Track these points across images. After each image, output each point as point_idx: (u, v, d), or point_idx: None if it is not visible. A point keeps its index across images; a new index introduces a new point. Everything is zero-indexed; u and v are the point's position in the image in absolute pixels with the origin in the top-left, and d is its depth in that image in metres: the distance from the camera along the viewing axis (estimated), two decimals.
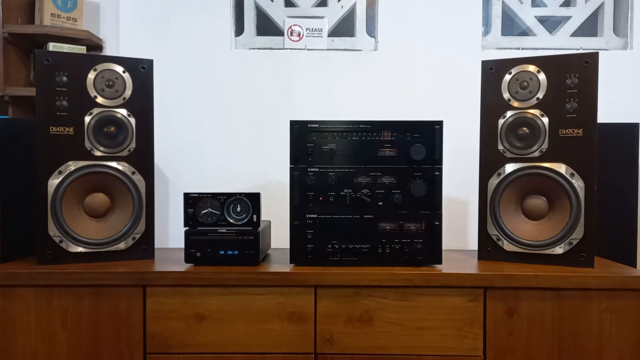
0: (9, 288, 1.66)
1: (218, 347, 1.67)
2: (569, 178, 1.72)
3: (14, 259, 1.83)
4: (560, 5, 2.58)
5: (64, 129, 1.76)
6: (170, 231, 2.40)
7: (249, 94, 2.49)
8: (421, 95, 2.45)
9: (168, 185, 2.43)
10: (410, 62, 2.49)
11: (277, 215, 2.15)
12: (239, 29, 2.61)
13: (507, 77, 1.79)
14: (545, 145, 1.75)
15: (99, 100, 1.79)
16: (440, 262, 1.74)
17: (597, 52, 1.71)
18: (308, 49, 2.56)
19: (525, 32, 2.61)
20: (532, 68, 1.77)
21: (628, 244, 1.99)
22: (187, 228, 1.75)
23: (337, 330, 1.67)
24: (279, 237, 2.13)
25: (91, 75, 1.79)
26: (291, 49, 2.56)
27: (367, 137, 1.76)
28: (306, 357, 1.68)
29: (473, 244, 2.34)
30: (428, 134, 1.75)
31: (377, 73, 2.50)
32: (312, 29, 2.59)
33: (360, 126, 1.76)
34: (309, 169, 1.75)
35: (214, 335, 1.67)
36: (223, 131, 2.47)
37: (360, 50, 2.56)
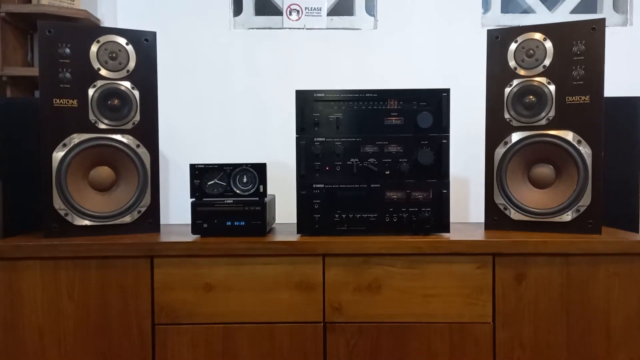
0: (15, 261, 1.65)
1: (226, 316, 1.66)
2: (576, 145, 1.72)
3: (19, 235, 1.81)
4: None
5: (68, 102, 1.74)
6: (171, 208, 2.39)
7: (249, 74, 2.48)
8: (421, 74, 2.45)
9: (168, 164, 2.42)
10: (410, 41, 2.49)
11: (279, 195, 2.14)
12: (238, 9, 2.59)
13: (513, 45, 1.78)
14: (552, 113, 1.75)
15: (103, 72, 1.77)
16: (448, 231, 1.74)
17: (604, 18, 1.70)
18: (307, 29, 2.55)
19: (525, 10, 2.61)
20: (538, 36, 1.76)
21: (629, 218, 1.99)
22: (194, 199, 1.74)
23: (345, 299, 1.67)
24: (282, 214, 2.13)
25: (94, 48, 1.77)
26: (290, 28, 2.55)
27: (373, 106, 1.75)
28: (315, 326, 1.67)
29: (474, 219, 2.35)
30: (434, 102, 1.74)
31: (377, 52, 2.49)
32: (311, 8, 2.58)
33: (367, 95, 1.75)
34: (315, 139, 1.74)
35: (223, 305, 1.67)
36: (223, 111, 2.47)
37: (360, 29, 2.56)
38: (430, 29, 2.49)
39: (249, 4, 2.60)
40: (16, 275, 1.65)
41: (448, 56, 2.47)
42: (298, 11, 2.57)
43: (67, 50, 1.74)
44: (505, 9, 2.59)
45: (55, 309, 1.66)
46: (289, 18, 2.57)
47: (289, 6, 2.57)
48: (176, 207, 2.38)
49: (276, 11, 2.61)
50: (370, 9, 2.59)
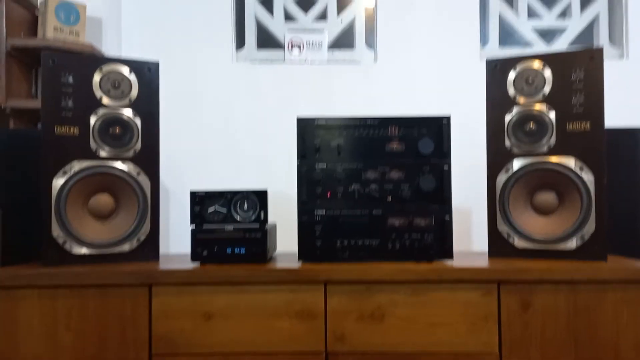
0: (12, 290, 1.62)
1: (226, 346, 1.62)
2: (578, 172, 1.71)
3: (16, 264, 1.78)
4: (557, 18, 2.63)
5: (69, 129, 1.74)
6: (171, 238, 2.37)
7: (251, 107, 2.50)
8: (420, 107, 2.47)
9: (168, 193, 2.41)
10: (409, 74, 2.52)
11: (281, 224, 2.12)
12: (240, 43, 2.63)
13: (512, 73, 1.79)
14: (553, 140, 1.75)
15: (105, 101, 1.78)
16: (451, 257, 1.71)
17: (602, 48, 1.72)
18: (308, 63, 2.57)
19: (523, 44, 2.64)
20: (537, 65, 1.77)
21: (635, 247, 1.96)
22: (193, 226, 1.72)
23: (348, 327, 1.63)
24: (283, 244, 2.10)
25: (97, 77, 1.77)
26: (292, 61, 2.58)
27: (375, 133, 1.75)
28: (317, 356, 1.63)
29: (476, 250, 2.33)
30: (435, 129, 1.74)
31: (376, 84, 2.52)
32: (312, 42, 2.61)
33: (368, 122, 1.75)
34: (316, 165, 1.74)
35: (222, 334, 1.63)
36: (224, 140, 2.49)
37: (360, 63, 2.59)
38: (429, 63, 2.52)
39: (251, 39, 2.64)
40: (13, 304, 1.62)
41: (447, 89, 2.49)
42: (300, 46, 2.60)
43: (70, 79, 1.74)
44: (503, 42, 2.63)
45: (53, 339, 1.62)
46: (290, 52, 2.60)
47: (290, 40, 2.61)
48: (176, 237, 2.37)
49: (278, 45, 2.65)
50: (371, 43, 2.62)
